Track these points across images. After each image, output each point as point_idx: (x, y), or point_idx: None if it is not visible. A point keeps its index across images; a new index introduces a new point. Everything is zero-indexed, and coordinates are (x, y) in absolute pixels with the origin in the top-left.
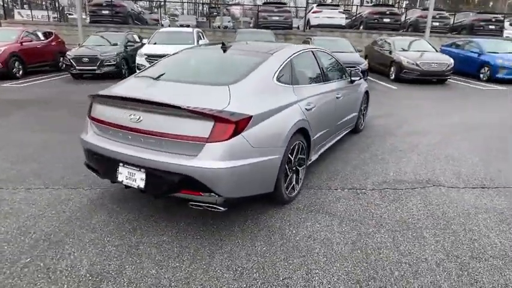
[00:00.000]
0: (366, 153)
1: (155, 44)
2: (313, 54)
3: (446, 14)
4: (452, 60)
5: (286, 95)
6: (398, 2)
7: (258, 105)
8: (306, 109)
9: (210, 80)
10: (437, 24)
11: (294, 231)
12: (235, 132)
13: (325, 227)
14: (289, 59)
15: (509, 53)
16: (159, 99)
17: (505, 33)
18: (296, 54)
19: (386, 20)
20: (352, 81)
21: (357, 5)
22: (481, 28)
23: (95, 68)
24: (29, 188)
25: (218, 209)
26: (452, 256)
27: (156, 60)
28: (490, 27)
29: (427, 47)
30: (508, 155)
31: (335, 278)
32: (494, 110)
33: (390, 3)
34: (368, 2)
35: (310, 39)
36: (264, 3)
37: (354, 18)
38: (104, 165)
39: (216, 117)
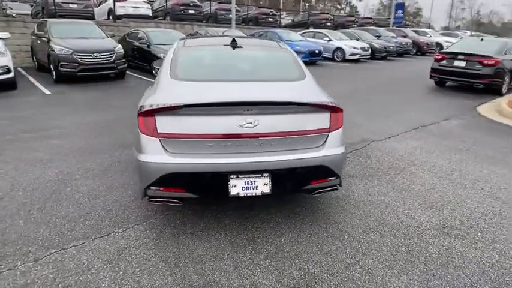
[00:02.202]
0: None
1: None
2: None
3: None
4: None
5: None
6: None
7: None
8: None
9: (277, 76)
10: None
11: None
12: (342, 120)
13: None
14: None
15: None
16: (279, 98)
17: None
18: None
19: (191, 12)
20: None
21: None
22: (264, 20)
23: None
24: None
25: (338, 188)
26: None
27: None
28: (269, 19)
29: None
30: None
31: None
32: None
33: None
34: None
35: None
36: None
37: (156, 9)
38: (208, 184)
39: (331, 108)
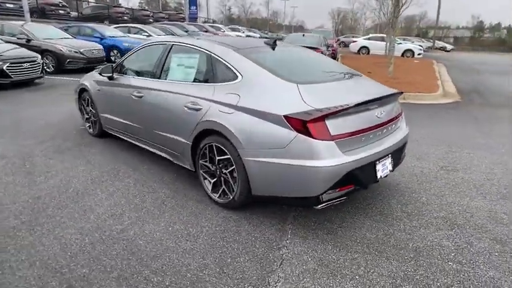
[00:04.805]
0: None
1: None
2: None
3: None
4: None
5: None
6: None
7: None
8: None
9: (348, 74)
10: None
11: None
12: None
13: None
14: None
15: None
16: (389, 91)
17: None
18: None
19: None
20: None
21: None
22: (53, 12)
23: None
24: None
25: None
26: None
27: None
28: (60, 11)
29: (61, 34)
30: None
31: None
32: None
33: None
34: None
35: None
36: None
37: None
38: (366, 174)
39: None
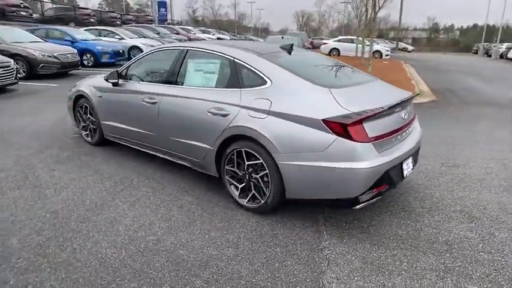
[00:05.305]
0: None
1: None
2: None
3: None
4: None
5: None
6: None
7: None
8: None
9: (364, 79)
10: None
11: None
12: None
13: None
14: None
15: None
16: (411, 93)
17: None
18: None
19: None
20: None
21: None
22: (14, 14)
23: None
24: None
25: None
26: None
27: None
28: (22, 13)
29: (31, 37)
30: None
31: None
32: None
33: None
34: None
35: None
36: None
37: None
38: (396, 173)
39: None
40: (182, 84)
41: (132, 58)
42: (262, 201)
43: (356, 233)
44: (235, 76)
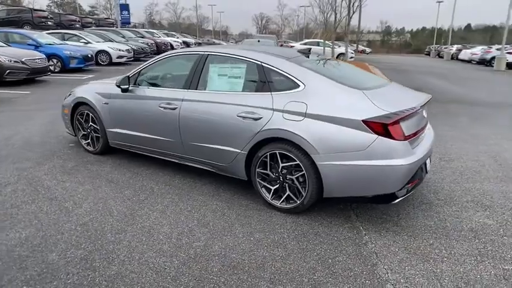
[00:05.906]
0: None
1: None
2: None
3: None
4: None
5: None
6: None
7: None
8: None
9: (383, 82)
10: None
11: None
12: None
13: None
14: None
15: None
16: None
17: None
18: None
19: None
20: None
21: None
22: None
23: None
24: None
25: None
26: None
27: None
28: None
29: None
30: None
31: None
32: None
33: None
34: None
35: None
36: None
37: None
38: (423, 169)
39: None
40: (205, 89)
41: (99, 63)
42: (298, 202)
43: (390, 226)
44: (265, 80)
